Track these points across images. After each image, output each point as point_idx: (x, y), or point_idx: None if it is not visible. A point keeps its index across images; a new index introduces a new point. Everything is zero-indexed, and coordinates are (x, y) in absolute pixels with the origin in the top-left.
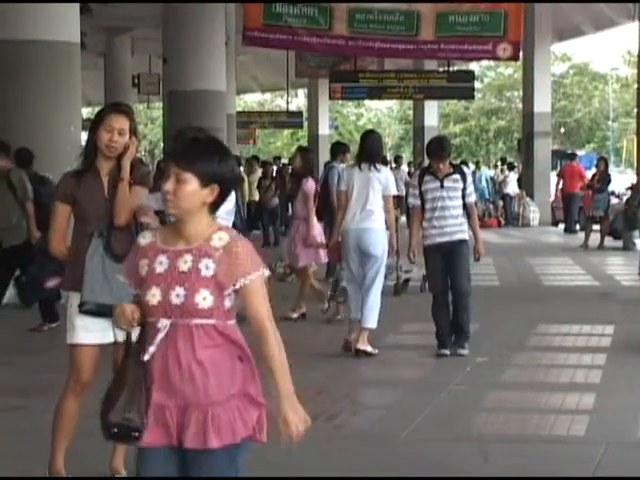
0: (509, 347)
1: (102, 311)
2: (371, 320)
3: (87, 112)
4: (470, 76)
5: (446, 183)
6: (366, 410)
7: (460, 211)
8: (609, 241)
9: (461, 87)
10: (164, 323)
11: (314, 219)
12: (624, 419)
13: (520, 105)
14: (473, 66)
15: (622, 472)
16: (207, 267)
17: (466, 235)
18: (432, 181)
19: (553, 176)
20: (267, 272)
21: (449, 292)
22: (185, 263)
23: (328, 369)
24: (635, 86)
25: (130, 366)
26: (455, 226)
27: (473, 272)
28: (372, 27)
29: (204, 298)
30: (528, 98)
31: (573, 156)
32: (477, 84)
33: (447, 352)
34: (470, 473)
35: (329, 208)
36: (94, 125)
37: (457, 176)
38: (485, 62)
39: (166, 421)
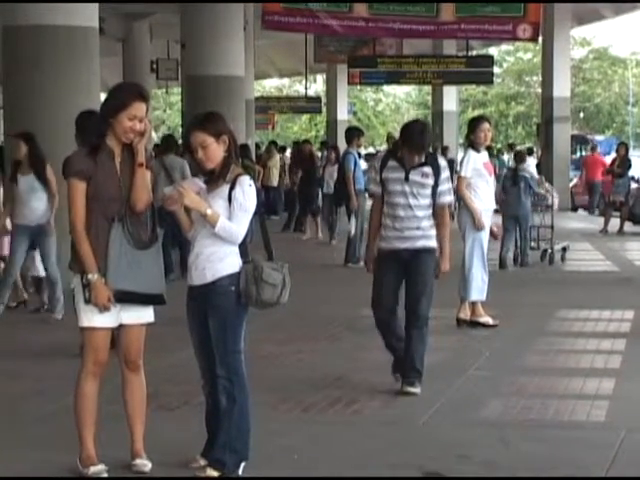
0: (528, 332)
1: (125, 298)
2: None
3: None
4: (489, 61)
5: (412, 176)
6: (385, 395)
7: (428, 212)
8: (629, 226)
9: (480, 72)
10: None
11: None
12: None
13: (539, 90)
14: (492, 51)
15: None
16: None
17: (433, 243)
18: (395, 170)
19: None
20: None
21: (397, 312)
22: None
23: (345, 355)
24: None
25: None
26: (419, 230)
27: (493, 258)
28: (392, 8)
29: None
30: (547, 83)
31: (594, 147)
32: (496, 69)
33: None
34: (490, 459)
35: (346, 194)
36: (115, 108)
37: (427, 169)
38: (504, 47)
39: None
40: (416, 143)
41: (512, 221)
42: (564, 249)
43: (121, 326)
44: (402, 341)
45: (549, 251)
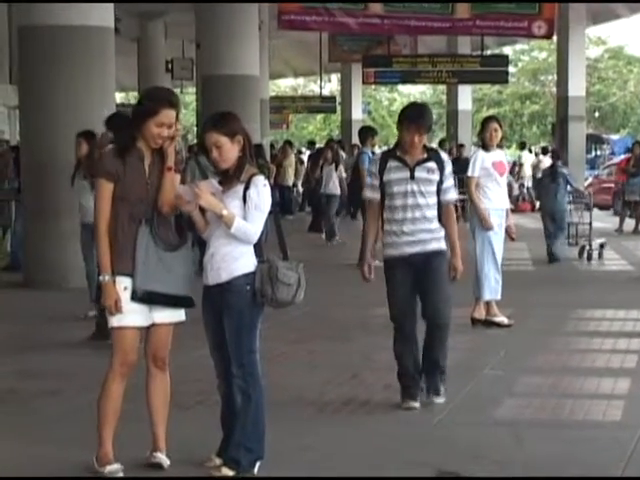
0: (543, 332)
1: (152, 299)
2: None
3: (121, 97)
4: (504, 60)
5: (418, 173)
6: (399, 395)
7: (436, 212)
8: None
9: (495, 71)
10: None
11: None
12: None
13: (554, 89)
14: (507, 50)
15: None
16: None
17: (444, 244)
18: (399, 169)
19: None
20: None
21: (416, 321)
22: None
23: (359, 355)
24: None
25: None
26: (430, 232)
27: (507, 257)
28: (407, 6)
29: None
30: (562, 82)
31: (628, 149)
32: (511, 68)
33: (416, 405)
34: (504, 458)
35: (360, 194)
36: (144, 114)
37: (432, 164)
38: (519, 46)
39: None
40: (415, 119)
41: (549, 218)
42: (601, 246)
43: (152, 325)
44: (416, 367)
45: (587, 248)
